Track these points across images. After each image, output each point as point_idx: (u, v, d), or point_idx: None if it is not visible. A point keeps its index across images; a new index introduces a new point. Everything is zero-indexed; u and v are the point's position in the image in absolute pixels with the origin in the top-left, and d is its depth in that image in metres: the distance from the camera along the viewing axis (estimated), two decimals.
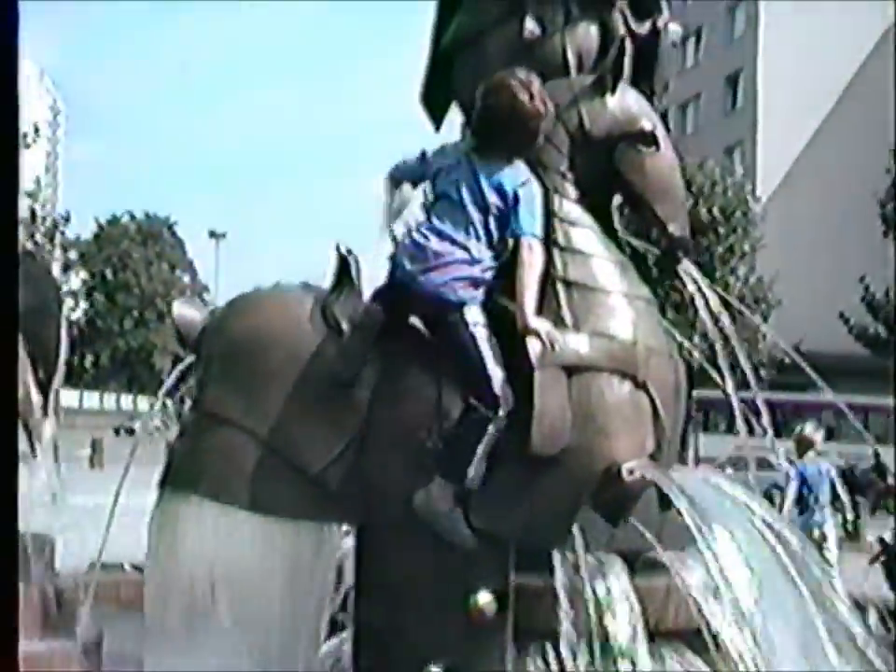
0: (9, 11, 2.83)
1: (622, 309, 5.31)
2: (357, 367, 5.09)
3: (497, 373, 5.02)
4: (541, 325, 5.07)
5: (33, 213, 36.91)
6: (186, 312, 5.56)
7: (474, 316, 5.07)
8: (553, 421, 5.03)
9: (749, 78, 63.73)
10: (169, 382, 5.72)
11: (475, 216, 5.13)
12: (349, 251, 5.40)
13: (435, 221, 5.18)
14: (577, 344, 5.16)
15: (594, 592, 5.26)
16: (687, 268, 5.61)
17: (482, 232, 5.13)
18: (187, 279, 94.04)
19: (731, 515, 5.08)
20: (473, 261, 5.10)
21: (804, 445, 14.28)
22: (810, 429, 14.55)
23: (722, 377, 6.19)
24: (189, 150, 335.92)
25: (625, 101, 5.47)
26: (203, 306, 5.59)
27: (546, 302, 5.22)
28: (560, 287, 5.26)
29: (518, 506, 5.08)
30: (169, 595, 5.22)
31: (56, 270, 39.89)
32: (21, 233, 35.73)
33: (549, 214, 5.32)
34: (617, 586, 5.38)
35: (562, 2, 5.76)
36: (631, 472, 5.07)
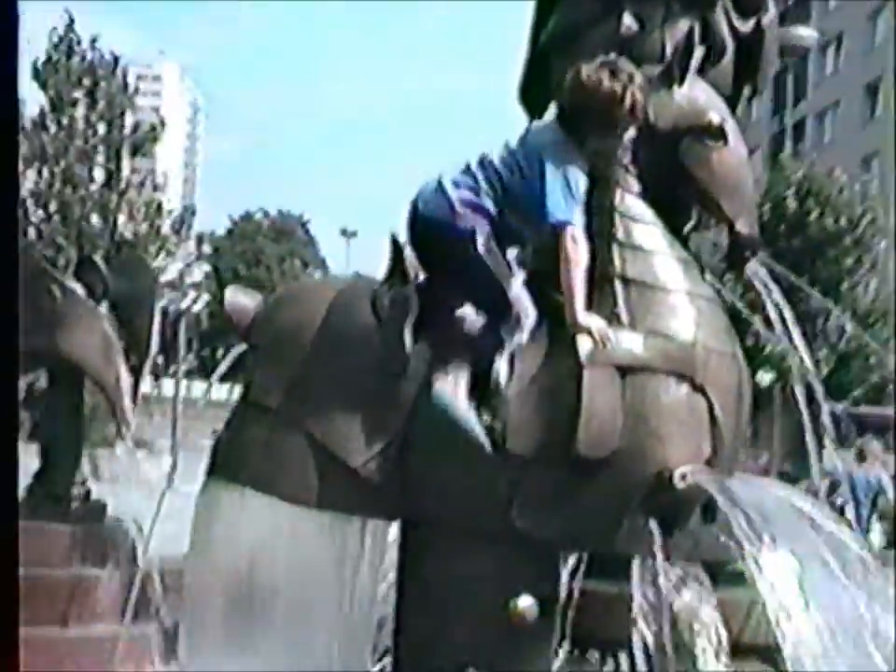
0: (9, 12, 2.84)
1: (682, 308, 5.09)
2: (401, 357, 4.95)
3: (515, 291, 4.93)
4: (593, 322, 4.89)
5: (159, 205, 37.53)
6: (239, 299, 5.47)
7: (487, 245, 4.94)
8: (603, 423, 4.84)
9: (889, 87, 62.07)
10: (221, 369, 5.66)
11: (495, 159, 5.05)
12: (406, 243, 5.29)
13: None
14: (632, 344, 4.97)
15: (672, 603, 5.06)
16: (756, 269, 5.37)
17: (491, 170, 5.01)
18: (318, 276, 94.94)
19: (789, 529, 4.82)
20: (475, 186, 4.97)
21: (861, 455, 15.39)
22: (868, 441, 15.53)
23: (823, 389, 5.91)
24: (324, 146, 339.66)
25: (693, 93, 5.24)
26: (257, 295, 5.50)
27: (603, 300, 5.05)
28: (618, 284, 5.07)
29: (564, 510, 4.90)
30: (209, 586, 5.16)
31: (180, 262, 40.50)
32: (144, 226, 36.41)
33: (610, 208, 5.15)
34: (698, 598, 5.17)
35: None
36: (684, 478, 4.86)
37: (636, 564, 5.19)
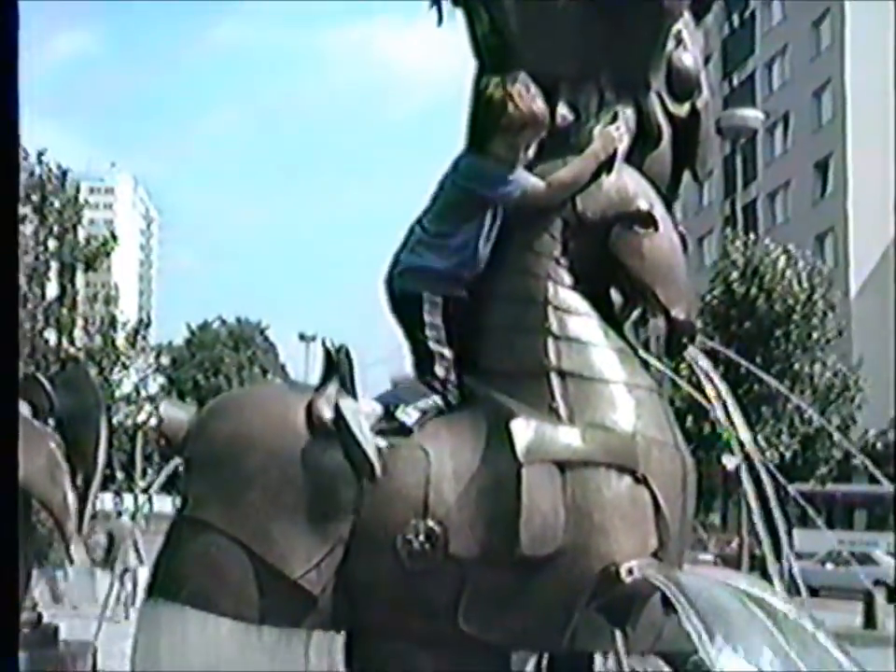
0: (9, 13, 2.92)
1: (621, 399, 5.03)
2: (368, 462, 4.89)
3: (448, 377, 5.03)
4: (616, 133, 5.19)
5: (113, 318, 37.38)
6: (173, 413, 5.43)
7: (432, 318, 5.06)
8: (545, 520, 4.76)
9: (839, 164, 62.67)
10: (156, 484, 5.56)
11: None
12: (339, 348, 5.22)
13: None
14: (571, 438, 4.90)
15: None
16: (694, 355, 5.31)
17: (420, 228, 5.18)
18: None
19: (742, 621, 4.71)
20: (426, 245, 5.14)
21: None
22: None
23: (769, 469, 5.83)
24: (283, 252, 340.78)
25: (621, 181, 5.22)
26: (191, 408, 5.42)
27: (539, 394, 4.98)
28: (554, 378, 5.00)
29: (510, 610, 4.81)
30: None
31: (134, 376, 40.24)
32: (98, 339, 36.20)
33: (543, 302, 5.10)
34: None
35: (595, 87, 5.52)
36: (630, 572, 4.77)
37: (597, 659, 5.10)
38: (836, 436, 32.33)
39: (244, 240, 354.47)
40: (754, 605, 4.84)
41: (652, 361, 5.53)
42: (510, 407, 4.93)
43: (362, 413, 4.88)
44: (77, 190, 38.09)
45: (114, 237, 36.53)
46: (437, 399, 4.98)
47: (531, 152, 5.19)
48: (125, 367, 37.24)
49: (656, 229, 5.16)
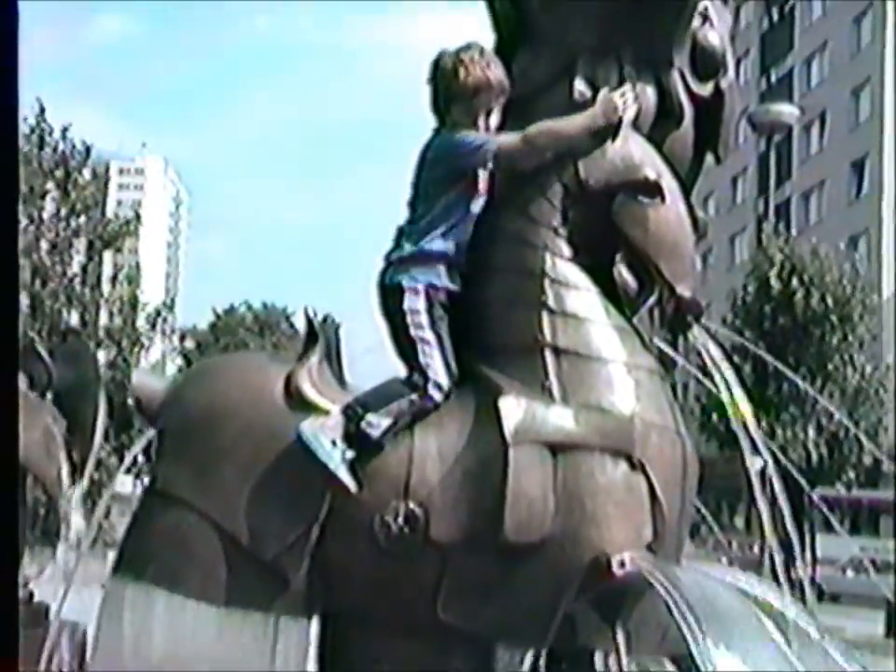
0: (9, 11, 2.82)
1: (619, 380, 4.73)
2: None
3: (432, 362, 4.72)
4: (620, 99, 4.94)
5: (134, 298, 37.14)
6: (147, 382, 5.20)
7: (411, 304, 4.78)
8: (532, 505, 4.48)
9: (875, 164, 61.65)
10: (128, 458, 5.30)
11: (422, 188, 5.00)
12: (325, 318, 4.99)
13: None
14: (563, 419, 4.61)
15: None
16: (698, 334, 5.00)
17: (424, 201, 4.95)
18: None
19: (738, 620, 4.42)
20: (409, 234, 4.91)
21: None
22: None
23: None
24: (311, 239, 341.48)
25: (627, 148, 4.92)
26: (165, 377, 5.17)
27: (532, 371, 4.69)
28: (549, 355, 4.71)
29: (493, 600, 4.53)
30: None
31: (154, 356, 40.00)
32: (118, 319, 36.03)
33: (539, 274, 4.80)
34: None
35: (616, 62, 5.26)
36: (622, 565, 4.47)
37: (598, 658, 4.88)
38: (863, 439, 31.65)
39: (275, 228, 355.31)
40: (753, 603, 4.58)
41: (670, 352, 5.25)
42: (499, 384, 4.66)
43: (327, 428, 4.59)
44: (106, 169, 37.95)
45: (138, 217, 36.25)
46: (413, 397, 4.68)
47: (494, 119, 4.98)
48: (143, 347, 36.94)
49: (663, 200, 4.86)
